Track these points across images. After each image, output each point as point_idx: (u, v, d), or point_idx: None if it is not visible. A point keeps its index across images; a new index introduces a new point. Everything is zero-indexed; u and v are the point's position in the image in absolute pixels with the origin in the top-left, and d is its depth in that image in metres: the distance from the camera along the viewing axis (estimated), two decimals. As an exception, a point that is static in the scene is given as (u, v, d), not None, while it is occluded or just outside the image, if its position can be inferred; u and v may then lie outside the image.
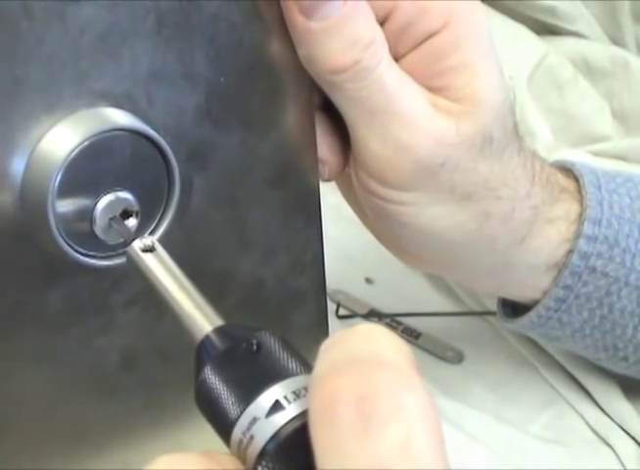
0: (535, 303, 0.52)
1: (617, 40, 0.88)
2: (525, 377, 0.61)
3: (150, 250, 0.35)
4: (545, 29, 0.89)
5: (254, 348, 0.29)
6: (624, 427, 0.57)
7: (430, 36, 0.45)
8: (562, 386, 0.60)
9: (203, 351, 0.30)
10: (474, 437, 0.56)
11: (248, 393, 0.27)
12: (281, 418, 0.26)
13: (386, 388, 0.22)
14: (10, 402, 0.40)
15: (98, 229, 0.38)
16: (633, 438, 0.56)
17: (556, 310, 0.52)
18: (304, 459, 0.25)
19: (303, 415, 0.26)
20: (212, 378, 0.29)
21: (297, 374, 0.28)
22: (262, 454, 0.26)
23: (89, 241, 0.38)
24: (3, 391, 0.40)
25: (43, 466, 0.42)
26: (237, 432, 0.27)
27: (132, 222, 0.38)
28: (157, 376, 0.44)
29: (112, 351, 0.42)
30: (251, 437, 0.26)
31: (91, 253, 0.38)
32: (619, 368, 0.56)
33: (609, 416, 0.58)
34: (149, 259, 0.35)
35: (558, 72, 0.83)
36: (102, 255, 0.39)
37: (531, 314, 0.53)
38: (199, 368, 0.30)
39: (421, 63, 0.45)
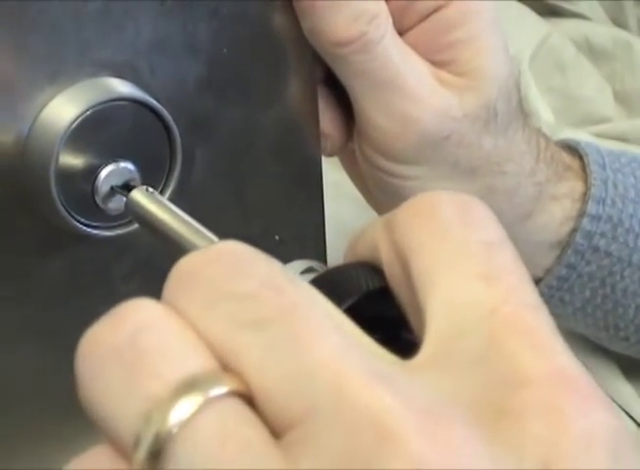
0: (538, 281, 0.52)
1: (619, 23, 0.88)
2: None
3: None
4: (548, 10, 0.88)
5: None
6: (624, 408, 0.57)
7: (435, 10, 0.44)
8: (562, 366, 0.60)
9: None
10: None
11: None
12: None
13: (476, 201, 0.25)
14: (8, 373, 0.40)
15: (99, 199, 0.38)
16: (633, 418, 0.56)
17: (558, 289, 0.52)
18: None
19: None
20: None
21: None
22: None
23: (91, 211, 0.38)
24: (2, 361, 0.40)
25: (40, 439, 0.42)
26: None
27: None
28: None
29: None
30: None
31: (92, 223, 0.38)
32: (620, 348, 0.56)
33: (609, 397, 0.58)
34: (147, 200, 0.36)
35: (560, 53, 0.83)
36: (103, 225, 0.38)
37: (533, 292, 0.52)
38: None
39: (425, 37, 0.45)
